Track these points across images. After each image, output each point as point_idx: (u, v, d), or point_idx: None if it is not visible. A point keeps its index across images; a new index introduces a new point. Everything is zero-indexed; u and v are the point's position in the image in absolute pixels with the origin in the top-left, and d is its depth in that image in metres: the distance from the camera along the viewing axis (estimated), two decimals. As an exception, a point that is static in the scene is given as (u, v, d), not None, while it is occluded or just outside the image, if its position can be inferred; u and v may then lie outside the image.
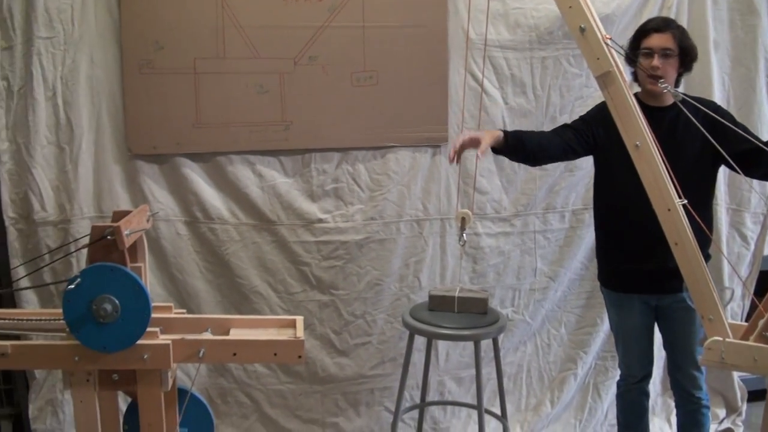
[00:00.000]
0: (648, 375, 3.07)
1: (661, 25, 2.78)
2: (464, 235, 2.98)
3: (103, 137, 3.16)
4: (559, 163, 3.46)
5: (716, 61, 3.61)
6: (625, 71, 2.41)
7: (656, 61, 2.72)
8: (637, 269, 2.83)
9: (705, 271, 2.15)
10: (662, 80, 2.57)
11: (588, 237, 3.61)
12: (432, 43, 3.25)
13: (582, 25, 2.19)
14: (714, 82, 3.61)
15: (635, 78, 2.87)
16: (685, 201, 2.22)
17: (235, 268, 3.30)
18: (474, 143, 2.61)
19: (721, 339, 2.11)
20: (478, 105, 3.31)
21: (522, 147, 2.72)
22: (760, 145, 2.45)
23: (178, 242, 3.26)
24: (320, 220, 3.31)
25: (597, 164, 2.95)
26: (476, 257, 3.50)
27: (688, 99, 2.53)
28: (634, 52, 2.79)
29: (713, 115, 2.53)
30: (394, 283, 3.43)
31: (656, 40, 2.74)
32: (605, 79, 2.22)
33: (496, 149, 2.70)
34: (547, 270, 3.62)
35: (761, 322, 2.10)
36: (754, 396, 3.86)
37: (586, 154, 2.91)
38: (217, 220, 3.25)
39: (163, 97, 3.10)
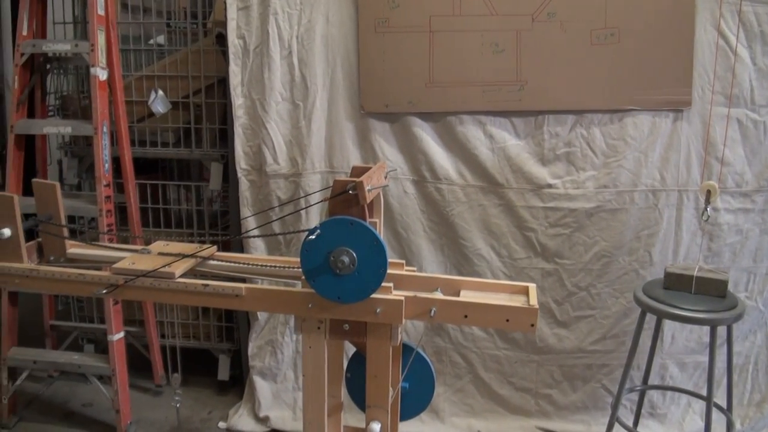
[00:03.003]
0: None
1: None
2: (708, 209, 2.78)
3: (336, 95, 3.23)
4: (810, 130, 3.14)
5: None
6: None
7: None
8: None
9: None
10: None
11: (833, 220, 3.26)
12: (679, -3, 3.02)
13: None
14: None
15: None
16: None
17: (459, 230, 3.28)
18: None
19: None
20: (724, 66, 3.06)
21: None
22: None
23: (404, 200, 3.29)
24: (550, 186, 3.20)
25: None
26: (713, 234, 3.25)
27: None
28: None
29: None
30: (623, 257, 3.26)
31: None
32: None
33: None
34: (787, 254, 3.30)
35: None
36: None
37: None
38: (444, 181, 3.24)
39: (397, 55, 3.11)
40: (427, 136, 3.21)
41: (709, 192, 2.79)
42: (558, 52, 3.06)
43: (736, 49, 3.04)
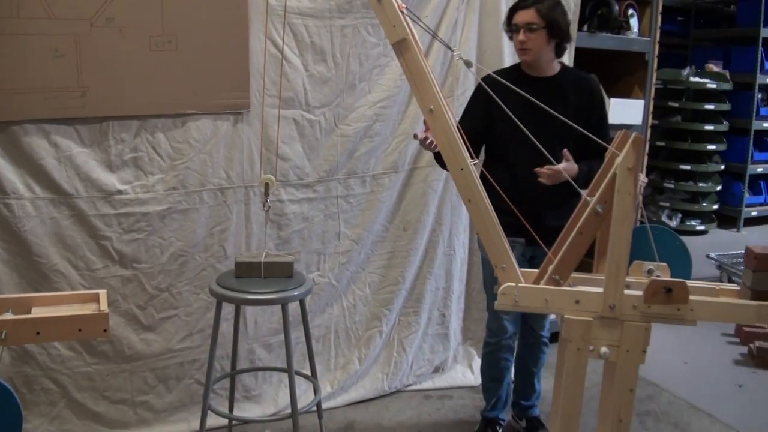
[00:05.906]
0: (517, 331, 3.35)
1: (524, 2, 3.02)
2: (268, 200, 3.03)
3: None
4: (359, 129, 3.61)
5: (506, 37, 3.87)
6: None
7: (522, 36, 2.99)
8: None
9: (496, 225, 2.31)
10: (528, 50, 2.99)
11: (388, 200, 3.79)
12: (232, 8, 3.21)
13: (378, -6, 2.27)
14: (505, 55, 3.90)
15: None
16: (477, 161, 2.38)
17: (32, 246, 3.10)
18: None
19: (514, 284, 2.29)
20: (278, 72, 3.34)
21: None
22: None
23: (-31, 222, 3.02)
24: (120, 192, 3.18)
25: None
26: (281, 224, 3.54)
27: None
28: (509, 28, 3.10)
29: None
30: (199, 254, 3.39)
31: (521, 17, 3.01)
32: (401, 46, 2.31)
33: None
34: (351, 233, 3.74)
35: (551, 268, 2.30)
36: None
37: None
38: (12, 195, 3.02)
39: (-49, 60, 2.83)
40: (-11, 149, 2.98)
41: (267, 185, 3.03)
42: (118, 58, 3.05)
43: (283, 55, 3.34)
